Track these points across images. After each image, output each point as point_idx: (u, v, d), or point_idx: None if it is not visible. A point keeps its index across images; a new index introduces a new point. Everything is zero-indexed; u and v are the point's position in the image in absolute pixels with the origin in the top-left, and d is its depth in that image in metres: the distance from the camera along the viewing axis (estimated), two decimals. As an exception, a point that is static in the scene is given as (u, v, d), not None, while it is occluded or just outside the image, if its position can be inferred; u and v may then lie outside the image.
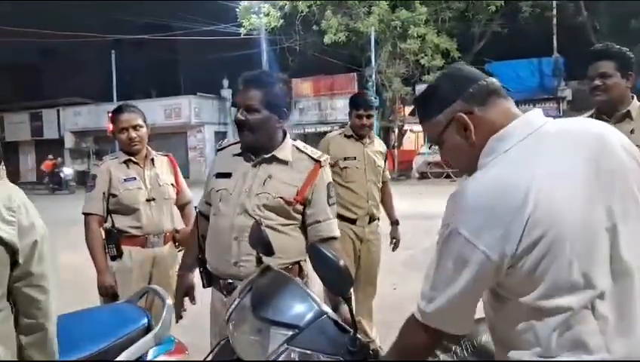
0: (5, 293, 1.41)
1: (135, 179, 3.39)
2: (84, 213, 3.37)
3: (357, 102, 4.17)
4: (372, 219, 4.18)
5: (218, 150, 2.67)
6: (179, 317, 2.74)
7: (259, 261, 1.83)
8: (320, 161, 2.47)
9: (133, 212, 3.34)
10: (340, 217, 4.12)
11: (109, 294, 3.30)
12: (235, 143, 2.56)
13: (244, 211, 2.37)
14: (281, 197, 2.37)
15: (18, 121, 34.41)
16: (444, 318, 1.35)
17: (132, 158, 3.42)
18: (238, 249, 2.35)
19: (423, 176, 25.43)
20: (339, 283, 1.44)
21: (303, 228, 2.48)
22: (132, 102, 3.63)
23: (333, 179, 4.20)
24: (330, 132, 4.59)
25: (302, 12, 24.68)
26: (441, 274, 1.34)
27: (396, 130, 27.29)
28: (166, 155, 3.63)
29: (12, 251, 1.39)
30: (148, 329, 2.46)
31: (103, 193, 3.36)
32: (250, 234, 1.88)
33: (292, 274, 2.31)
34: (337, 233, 2.50)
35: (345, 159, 4.10)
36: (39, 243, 1.43)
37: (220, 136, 29.96)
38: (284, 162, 2.43)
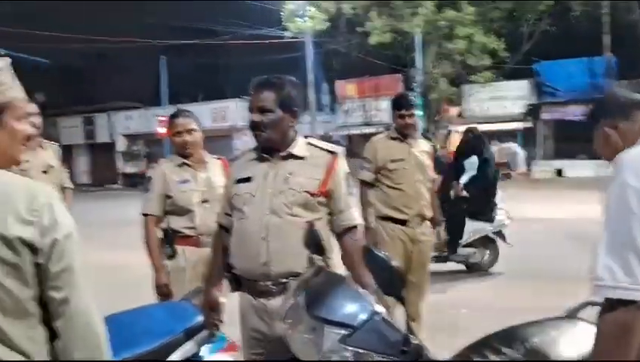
0: (35, 296, 1.39)
1: (189, 181, 3.50)
2: (142, 214, 3.50)
3: (399, 103, 4.19)
4: (423, 219, 4.17)
5: (231, 160, 2.75)
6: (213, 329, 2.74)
7: (310, 261, 1.86)
8: (336, 153, 2.53)
9: (187, 213, 3.45)
10: (391, 219, 4.14)
11: (164, 293, 3.40)
12: (249, 151, 2.63)
13: (272, 211, 2.41)
14: (306, 191, 2.42)
15: (72, 125, 35.58)
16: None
17: (186, 161, 3.53)
18: (267, 249, 2.38)
19: (469, 177, 25.09)
20: (392, 284, 1.45)
21: (326, 224, 2.51)
22: (181, 107, 3.73)
23: (382, 182, 4.27)
24: (375, 134, 4.60)
25: (347, 14, 24.69)
26: (617, 231, 1.36)
27: (443, 131, 26.99)
28: (219, 158, 3.71)
29: (34, 251, 1.36)
30: (202, 327, 2.51)
31: (160, 194, 3.48)
32: (304, 236, 1.91)
33: None
34: (360, 220, 2.57)
35: (392, 161, 4.12)
36: (60, 242, 1.39)
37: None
38: (301, 158, 2.50)
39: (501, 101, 26.33)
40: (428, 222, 4.24)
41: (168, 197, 3.47)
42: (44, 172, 4.10)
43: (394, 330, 1.55)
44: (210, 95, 32.55)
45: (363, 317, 1.49)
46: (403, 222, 4.08)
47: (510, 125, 25.80)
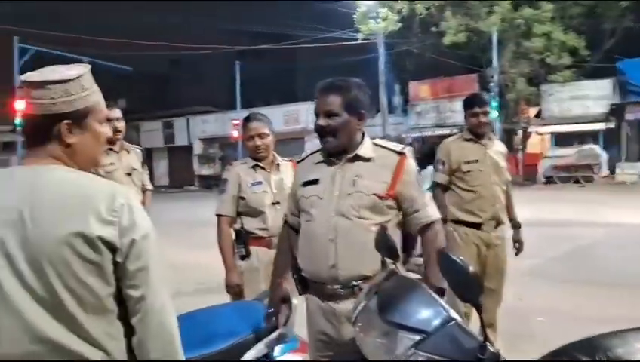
0: (114, 293, 1.44)
1: (261, 183, 3.56)
2: (216, 215, 3.58)
3: (470, 102, 4.10)
4: (498, 223, 4.03)
5: (298, 162, 2.72)
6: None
7: (382, 264, 1.82)
8: (404, 153, 2.47)
9: (260, 214, 3.51)
10: (464, 223, 4.03)
11: (235, 292, 3.46)
12: (314, 153, 2.61)
13: (339, 213, 2.39)
14: (374, 194, 2.38)
15: (152, 128, 37.03)
16: None
17: (259, 163, 3.60)
18: (335, 251, 2.36)
19: (549, 181, 24.23)
20: (468, 290, 1.40)
21: (398, 225, 2.47)
22: (254, 110, 3.79)
23: (456, 185, 4.17)
24: (449, 136, 4.49)
25: (420, 14, 24.40)
26: None
27: (520, 133, 26.17)
28: (290, 161, 3.74)
29: (113, 250, 1.42)
30: (274, 328, 2.51)
31: (233, 196, 3.56)
32: (375, 238, 1.87)
33: None
34: (437, 215, 2.49)
35: (467, 163, 4.01)
36: (138, 242, 1.43)
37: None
38: (368, 159, 2.45)
39: (582, 101, 25.20)
40: (504, 226, 4.09)
41: (241, 198, 3.55)
42: (128, 174, 4.26)
43: (470, 337, 1.49)
44: (283, 98, 33.03)
45: (437, 322, 1.44)
46: (477, 226, 3.96)
47: (592, 126, 24.71)
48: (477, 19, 23.53)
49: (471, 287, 1.38)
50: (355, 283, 2.34)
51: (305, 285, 2.53)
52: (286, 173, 3.60)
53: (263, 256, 3.47)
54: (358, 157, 2.45)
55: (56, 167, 1.48)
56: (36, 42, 25.13)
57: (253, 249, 3.51)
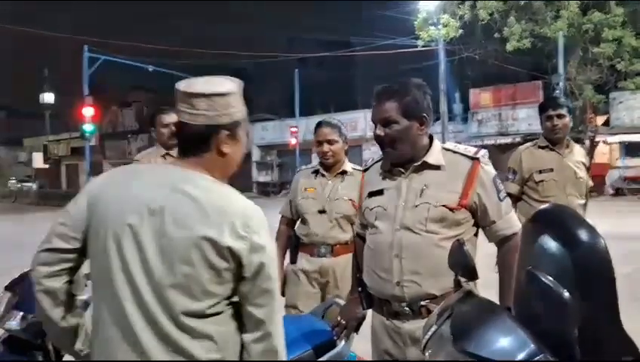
0: (228, 296, 1.50)
1: (314, 189, 3.54)
2: (279, 213, 3.72)
3: (545, 105, 3.85)
4: None
5: (364, 170, 2.55)
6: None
7: (457, 284, 1.64)
8: (478, 158, 2.24)
9: (305, 220, 3.54)
10: None
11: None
12: (380, 160, 2.43)
13: (404, 226, 2.21)
14: (443, 205, 2.17)
15: (213, 135, 37.75)
16: None
17: (320, 169, 3.58)
18: (400, 267, 2.20)
19: (617, 192, 23.21)
20: (560, 323, 1.18)
21: (473, 240, 2.27)
22: (319, 118, 3.83)
23: (529, 195, 3.90)
24: (511, 144, 4.23)
25: (483, 20, 23.84)
26: None
27: (587, 142, 25.15)
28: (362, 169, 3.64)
29: (240, 264, 1.48)
30: (332, 344, 2.41)
31: (291, 199, 3.64)
32: (449, 254, 1.69)
33: None
34: (518, 226, 2.22)
35: (540, 172, 3.74)
36: (267, 265, 1.51)
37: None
38: (437, 167, 2.24)
39: (655, 109, 24.02)
40: None
41: (296, 203, 3.60)
42: None
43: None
44: (342, 106, 33.03)
45: (522, 356, 1.24)
46: None
47: (665, 136, 23.48)
48: (542, 25, 22.76)
49: (562, 318, 1.17)
50: (422, 303, 2.18)
51: (370, 300, 2.38)
52: (351, 181, 3.50)
53: (305, 263, 3.51)
54: (425, 165, 2.25)
55: (205, 176, 1.57)
56: (103, 51, 26.03)
57: (300, 254, 3.55)
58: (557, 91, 22.96)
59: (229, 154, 1.63)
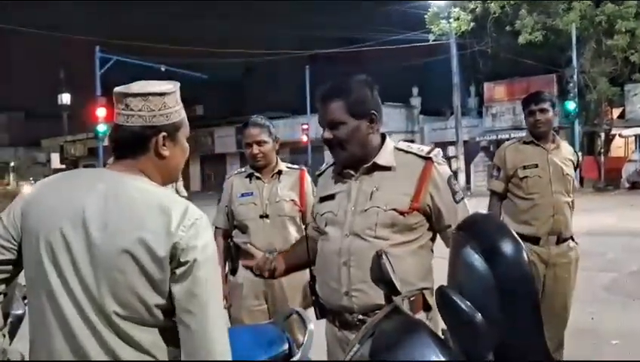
0: (163, 306, 1.45)
1: (251, 194, 3.33)
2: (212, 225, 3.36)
3: (527, 99, 3.74)
4: (560, 238, 3.65)
5: (318, 175, 2.44)
6: None
7: (388, 299, 1.54)
8: (430, 158, 2.11)
9: (245, 228, 3.30)
10: (520, 236, 3.62)
11: None
12: (333, 164, 2.32)
13: (353, 232, 2.09)
14: (393, 209, 2.05)
15: (226, 134, 37.75)
16: None
17: (255, 173, 3.37)
18: (349, 276, 2.07)
19: (634, 185, 22.80)
20: (473, 345, 1.12)
21: (428, 246, 2.17)
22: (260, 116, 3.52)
23: (513, 193, 3.83)
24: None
25: (494, 13, 23.64)
26: None
27: (602, 135, 24.82)
28: (300, 169, 3.51)
29: (174, 266, 1.43)
30: (289, 355, 2.33)
31: (225, 206, 3.39)
32: (370, 268, 1.59)
33: (414, 309, 2.02)
34: None
35: (525, 168, 3.63)
36: (199, 263, 1.44)
37: (409, 144, 29.86)
38: (388, 168, 2.12)
39: (671, 101, 23.63)
40: (571, 242, 3.66)
41: (232, 210, 3.36)
42: None
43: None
44: (354, 102, 32.91)
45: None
46: (535, 240, 3.53)
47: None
48: (554, 17, 22.53)
49: (476, 339, 1.11)
50: (372, 313, 2.03)
51: (323, 310, 2.26)
52: (286, 182, 3.37)
53: (247, 273, 3.04)
54: (376, 166, 2.13)
55: (139, 178, 1.52)
56: (115, 51, 26.20)
57: (241, 265, 3.26)
58: (571, 84, 22.70)
59: (167, 157, 1.56)
